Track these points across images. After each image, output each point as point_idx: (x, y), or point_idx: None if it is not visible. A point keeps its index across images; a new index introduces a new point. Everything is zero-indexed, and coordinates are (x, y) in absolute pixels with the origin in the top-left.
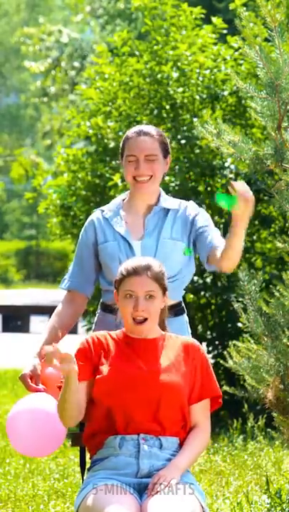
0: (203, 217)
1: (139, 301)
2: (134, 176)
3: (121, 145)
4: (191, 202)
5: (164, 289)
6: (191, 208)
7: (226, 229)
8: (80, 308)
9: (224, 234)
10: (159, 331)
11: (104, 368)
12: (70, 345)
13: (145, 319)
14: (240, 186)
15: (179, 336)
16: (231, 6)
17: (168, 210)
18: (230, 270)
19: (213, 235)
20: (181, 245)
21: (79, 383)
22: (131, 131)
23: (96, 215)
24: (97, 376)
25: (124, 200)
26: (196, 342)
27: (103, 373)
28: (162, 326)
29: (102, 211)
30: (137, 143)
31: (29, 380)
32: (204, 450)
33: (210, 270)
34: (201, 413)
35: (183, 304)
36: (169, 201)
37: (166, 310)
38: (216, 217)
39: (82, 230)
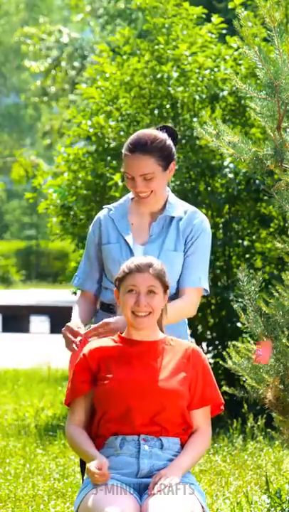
0: (197, 244)
1: (141, 297)
2: (135, 191)
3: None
4: (200, 218)
5: (166, 288)
6: (196, 226)
7: (225, 229)
8: (92, 305)
9: (224, 233)
10: (159, 333)
11: (105, 374)
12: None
13: (148, 314)
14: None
15: (179, 340)
16: (230, 5)
17: (172, 217)
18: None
19: (188, 270)
20: (182, 256)
21: (82, 397)
22: (127, 145)
23: (103, 213)
24: (98, 381)
25: (133, 198)
26: (197, 348)
27: (103, 378)
28: (160, 328)
29: (110, 210)
30: (131, 161)
31: (70, 336)
32: (204, 454)
33: None
34: (201, 419)
35: None
36: (176, 208)
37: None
38: (216, 218)
39: (90, 227)
